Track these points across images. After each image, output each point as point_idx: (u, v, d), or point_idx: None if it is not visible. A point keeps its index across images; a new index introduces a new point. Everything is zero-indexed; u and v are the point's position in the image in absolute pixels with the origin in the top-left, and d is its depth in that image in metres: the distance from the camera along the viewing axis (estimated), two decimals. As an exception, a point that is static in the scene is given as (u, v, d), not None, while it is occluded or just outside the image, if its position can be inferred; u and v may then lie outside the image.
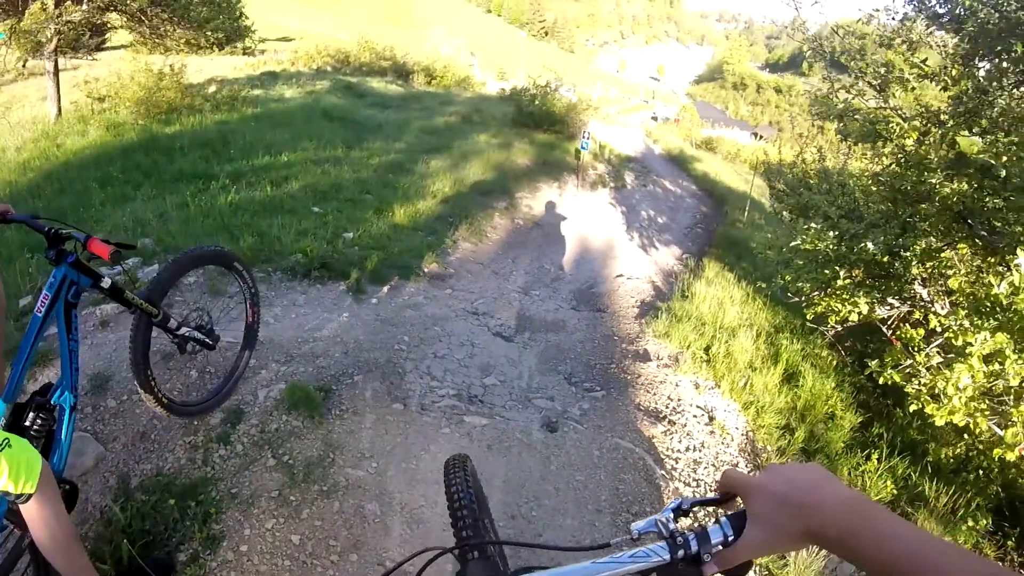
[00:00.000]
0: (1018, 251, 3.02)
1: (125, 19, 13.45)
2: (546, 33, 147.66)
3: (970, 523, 4.73)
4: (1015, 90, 4.80)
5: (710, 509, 0.97)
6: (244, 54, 23.76)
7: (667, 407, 4.79)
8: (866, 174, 6.52)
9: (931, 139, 4.80)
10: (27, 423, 2.48)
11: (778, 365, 5.77)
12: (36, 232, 2.59)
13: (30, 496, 2.10)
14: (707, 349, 5.79)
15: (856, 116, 5.92)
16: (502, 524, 3.31)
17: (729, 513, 0.92)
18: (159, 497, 3.12)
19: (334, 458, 3.55)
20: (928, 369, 4.04)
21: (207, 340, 3.48)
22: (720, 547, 0.90)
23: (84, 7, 12.09)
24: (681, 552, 0.91)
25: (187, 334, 3.33)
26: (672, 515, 0.96)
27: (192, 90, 13.33)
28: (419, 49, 27.54)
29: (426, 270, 6.54)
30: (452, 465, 1.84)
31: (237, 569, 2.89)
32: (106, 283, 2.72)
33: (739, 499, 0.92)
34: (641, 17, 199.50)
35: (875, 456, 4.97)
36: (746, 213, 12.67)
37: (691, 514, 0.98)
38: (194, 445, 3.53)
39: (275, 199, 7.64)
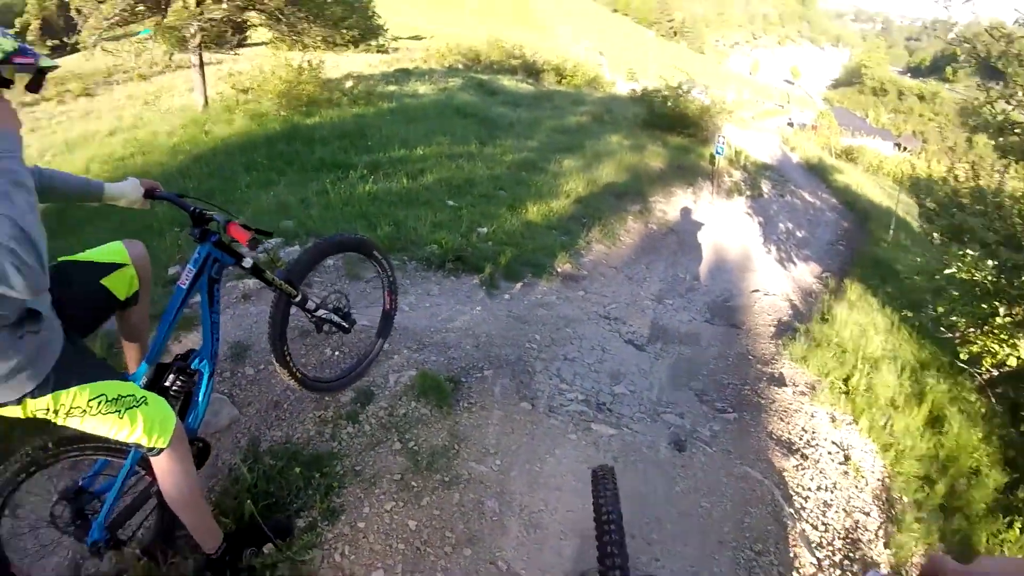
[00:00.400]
0: None
1: (264, 17, 14.19)
2: (675, 33, 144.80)
3: None
4: None
5: None
6: (378, 51, 24.55)
7: (800, 439, 4.48)
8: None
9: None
10: (167, 383, 2.65)
11: (922, 406, 5.22)
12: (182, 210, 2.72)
13: (161, 451, 2.29)
14: (846, 380, 5.34)
15: (1016, 130, 5.40)
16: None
17: None
18: (286, 463, 3.23)
19: (459, 450, 3.54)
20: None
21: (343, 323, 3.56)
22: None
23: (224, 5, 12.88)
24: None
25: (324, 316, 3.42)
26: None
27: (330, 85, 13.92)
28: (547, 48, 27.56)
29: (559, 270, 6.46)
30: (602, 476, 1.75)
31: (351, 543, 2.94)
32: (247, 263, 2.81)
33: None
34: (772, 16, 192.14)
35: (1018, 525, 4.39)
36: (891, 232, 11.85)
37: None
38: (324, 420, 3.64)
39: (411, 191, 7.77)
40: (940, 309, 5.72)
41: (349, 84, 15.09)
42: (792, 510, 3.75)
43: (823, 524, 3.74)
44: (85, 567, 3.00)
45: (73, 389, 2.10)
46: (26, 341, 1.99)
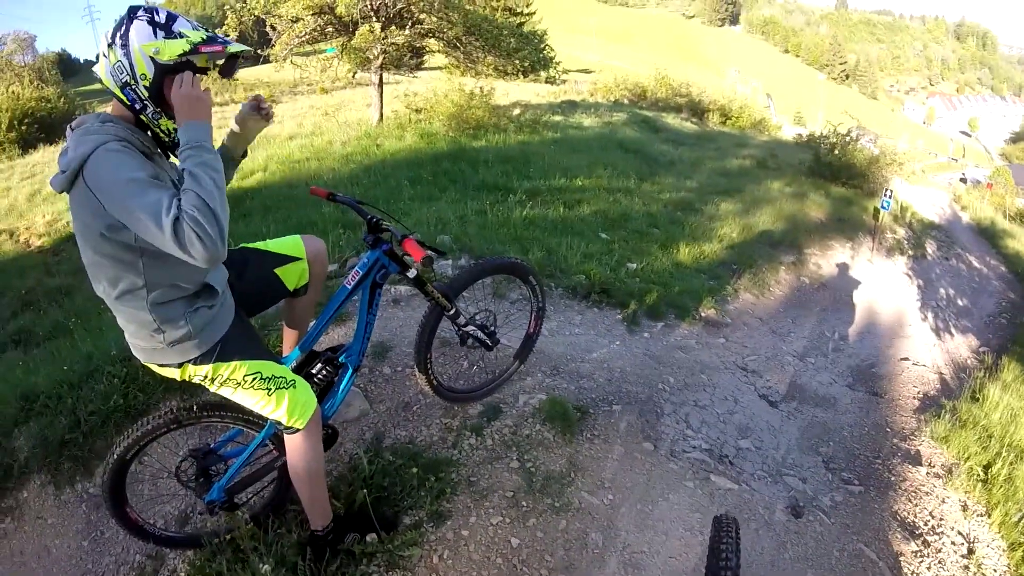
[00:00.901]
0: None
1: (442, 44, 14.99)
2: (847, 76, 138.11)
3: None
4: None
5: None
6: (547, 82, 25.21)
7: (926, 524, 4.21)
8: None
9: None
10: (314, 371, 2.93)
11: None
12: (358, 215, 2.99)
13: (298, 431, 2.53)
14: (987, 467, 4.91)
15: None
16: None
17: None
18: (404, 462, 3.44)
19: (574, 478, 3.64)
20: None
21: (487, 341, 3.73)
22: None
23: (407, 32, 13.70)
24: None
25: (471, 331, 3.63)
26: None
27: (498, 111, 14.49)
28: (714, 88, 27.25)
29: (703, 314, 6.44)
30: (725, 524, 1.77)
31: (452, 549, 3.08)
32: (412, 274, 3.02)
33: None
34: (951, 61, 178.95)
35: None
36: (1063, 311, 10.89)
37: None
38: (449, 428, 3.86)
39: (566, 220, 8.00)
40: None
41: (516, 112, 15.66)
42: None
43: None
44: (193, 521, 3.35)
45: (234, 363, 2.37)
46: (200, 314, 2.26)
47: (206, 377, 2.38)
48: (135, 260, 2.10)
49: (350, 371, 3.03)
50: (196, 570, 2.85)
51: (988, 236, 15.91)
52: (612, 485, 3.69)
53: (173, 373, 2.38)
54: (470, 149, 11.53)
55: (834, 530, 3.91)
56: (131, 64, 2.04)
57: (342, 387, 3.02)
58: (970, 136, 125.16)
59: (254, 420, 2.73)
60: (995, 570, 4.11)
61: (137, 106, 2.11)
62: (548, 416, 4.00)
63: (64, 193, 2.06)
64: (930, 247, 12.51)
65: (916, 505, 4.40)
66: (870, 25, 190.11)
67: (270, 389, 2.43)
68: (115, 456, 2.63)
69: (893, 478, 4.66)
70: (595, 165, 11.37)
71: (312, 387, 2.74)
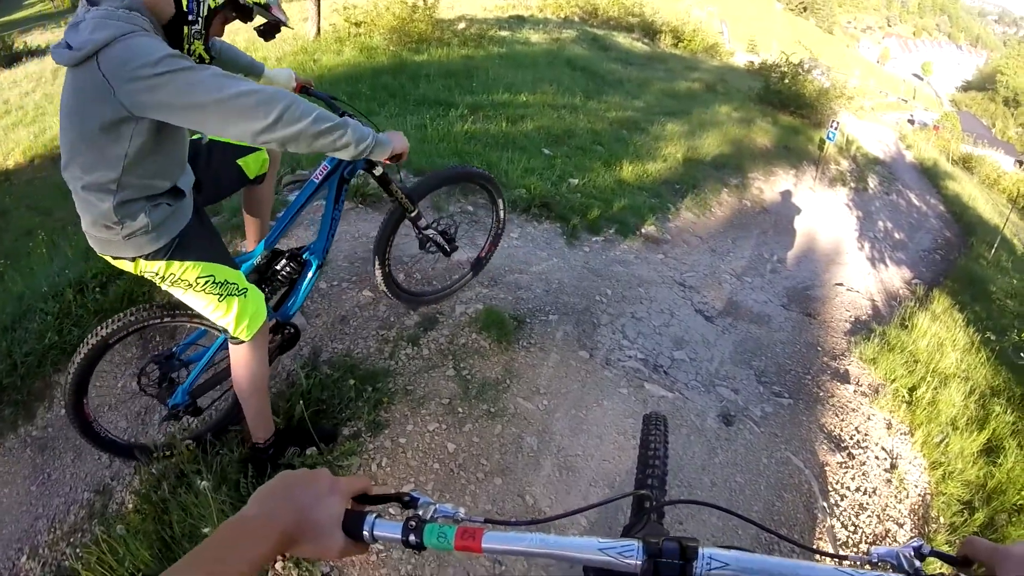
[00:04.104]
0: None
1: None
2: (805, 8, 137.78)
3: None
4: None
5: (943, 565, 0.90)
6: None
7: (851, 438, 4.42)
8: None
9: None
10: (278, 267, 2.97)
11: (982, 432, 5.01)
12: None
13: (242, 342, 2.51)
14: (912, 390, 5.18)
15: None
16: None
17: None
18: (342, 375, 3.47)
19: (509, 385, 3.68)
20: None
21: (446, 246, 3.76)
22: None
23: None
24: None
25: (431, 235, 3.65)
26: (912, 552, 0.87)
27: (442, 24, 13.92)
28: (668, 9, 26.74)
29: (643, 231, 6.42)
30: (654, 420, 1.79)
31: (390, 456, 3.13)
32: (378, 171, 3.03)
33: (982, 568, 0.85)
34: (912, 4, 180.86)
35: None
36: (993, 250, 11.22)
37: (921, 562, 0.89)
38: (386, 339, 3.83)
39: (508, 135, 7.80)
40: (1024, 336, 5.54)
41: (462, 26, 15.07)
42: (826, 504, 3.76)
43: (853, 525, 3.72)
44: (149, 425, 3.34)
45: (188, 263, 2.30)
46: (160, 210, 2.19)
47: (157, 274, 2.32)
48: (118, 159, 2.00)
49: (314, 267, 3.04)
50: (141, 499, 2.79)
51: (930, 176, 16.28)
52: (547, 391, 3.73)
53: (127, 266, 2.31)
54: (411, 64, 11.11)
55: (763, 438, 4.04)
56: None
57: (305, 284, 3.04)
58: (922, 80, 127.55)
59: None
60: (916, 486, 4.33)
61: (191, 16, 2.10)
62: (484, 325, 4.02)
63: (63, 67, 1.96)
64: (872, 181, 12.73)
65: (843, 420, 4.58)
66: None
67: (221, 294, 2.38)
68: (77, 362, 2.58)
69: (822, 393, 4.82)
70: (540, 81, 11.13)
71: (277, 285, 2.92)
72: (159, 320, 2.63)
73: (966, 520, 4.28)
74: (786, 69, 14.68)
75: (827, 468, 4.04)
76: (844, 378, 5.13)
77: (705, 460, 3.68)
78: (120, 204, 2.08)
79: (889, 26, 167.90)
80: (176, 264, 2.28)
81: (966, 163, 24.24)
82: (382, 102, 8.90)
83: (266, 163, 2.99)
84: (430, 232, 3.62)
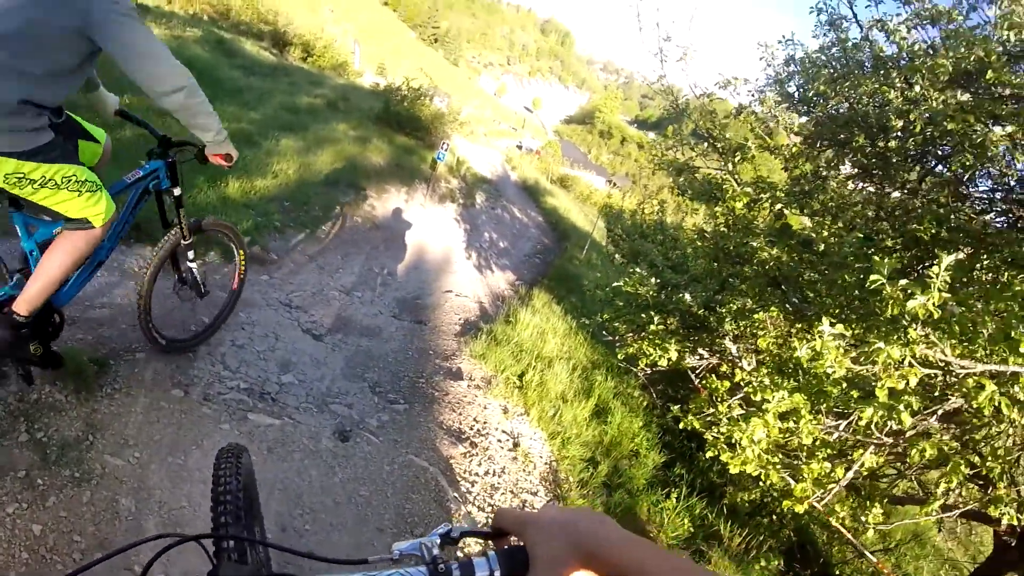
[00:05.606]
0: (824, 320, 3.20)
1: None
2: (436, 40, 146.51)
3: (762, 563, 5.12)
4: (850, 182, 5.19)
5: (479, 542, 0.94)
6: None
7: (471, 429, 4.76)
8: (691, 229, 6.88)
9: (761, 205, 5.07)
10: None
11: (590, 400, 5.93)
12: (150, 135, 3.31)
13: (92, 228, 2.78)
14: (521, 376, 5.84)
15: (695, 173, 6.24)
16: (271, 536, 3.03)
17: (498, 549, 0.87)
18: None
19: (93, 441, 3.16)
20: (728, 420, 4.18)
21: (202, 287, 4.01)
22: None
23: None
24: None
25: (194, 271, 3.88)
26: (439, 540, 0.89)
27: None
28: (304, 23, 26.37)
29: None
30: (226, 454, 1.67)
31: None
32: (177, 191, 3.39)
33: (513, 538, 0.88)
34: (531, 48, 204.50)
35: (675, 495, 5.25)
36: (584, 251, 13.11)
37: (460, 544, 0.92)
38: None
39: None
40: (606, 316, 6.48)
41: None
42: (457, 494, 3.96)
43: (489, 505, 4.00)
44: None
45: (56, 165, 2.55)
46: (42, 117, 2.47)
47: (28, 174, 2.48)
48: (59, 64, 2.40)
49: (93, 264, 3.18)
50: None
51: (532, 193, 18.40)
52: (138, 442, 3.30)
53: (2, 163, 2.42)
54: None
55: (383, 447, 4.11)
56: None
57: (85, 275, 3.15)
58: (532, 112, 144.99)
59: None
60: (541, 456, 4.87)
61: None
62: (59, 374, 3.38)
63: None
64: (480, 197, 13.94)
65: (461, 414, 4.90)
66: (471, 0, 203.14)
67: (80, 191, 2.65)
68: None
69: (437, 393, 5.11)
70: (140, 81, 10.13)
71: None
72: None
73: (593, 474, 4.93)
74: (406, 92, 15.37)
75: (452, 461, 4.26)
76: (457, 376, 5.49)
77: (324, 481, 3.60)
78: (25, 101, 2.32)
79: (509, 64, 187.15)
80: (45, 166, 2.51)
81: (564, 182, 28.16)
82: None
83: (97, 156, 3.13)
84: (194, 267, 3.81)
